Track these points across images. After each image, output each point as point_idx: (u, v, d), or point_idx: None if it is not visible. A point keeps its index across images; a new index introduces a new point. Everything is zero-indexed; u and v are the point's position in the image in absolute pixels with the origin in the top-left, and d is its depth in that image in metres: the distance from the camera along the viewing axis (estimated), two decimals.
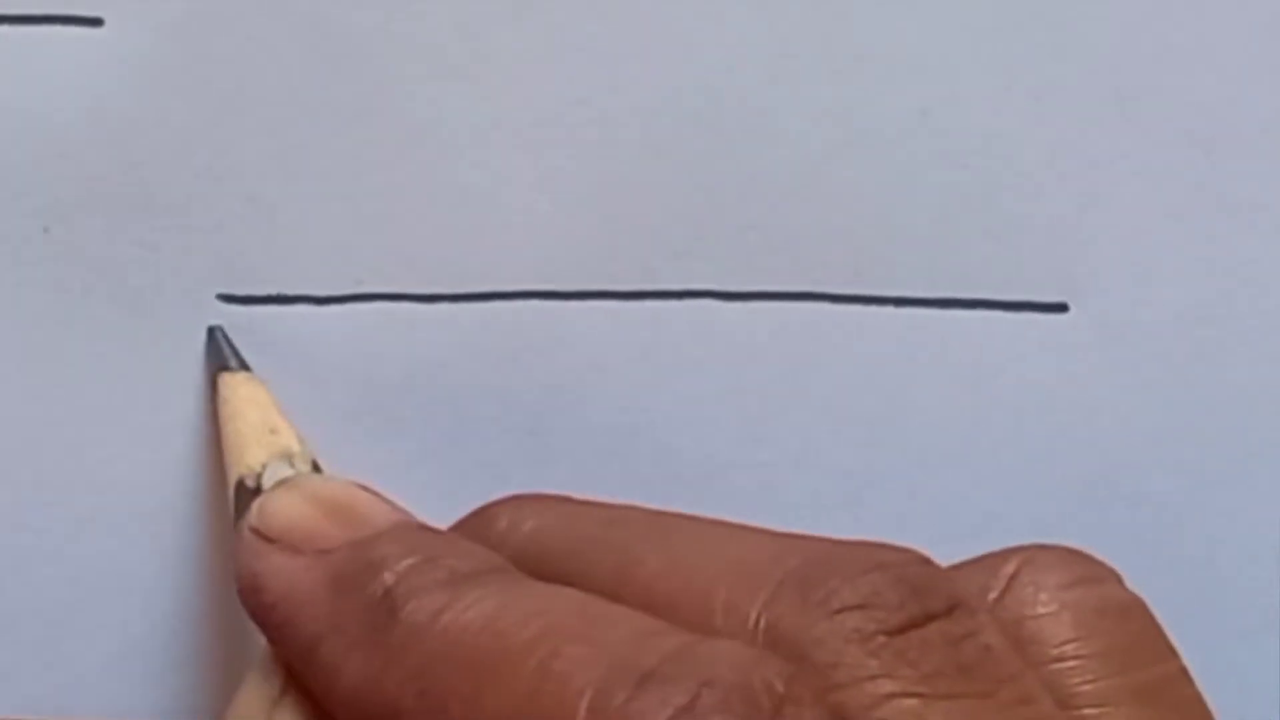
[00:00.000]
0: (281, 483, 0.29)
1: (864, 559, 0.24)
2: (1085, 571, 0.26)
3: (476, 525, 0.28)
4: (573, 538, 0.26)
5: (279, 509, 0.28)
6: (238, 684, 0.34)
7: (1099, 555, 0.32)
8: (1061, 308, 0.33)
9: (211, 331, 0.33)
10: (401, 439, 0.34)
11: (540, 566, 0.26)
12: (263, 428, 0.31)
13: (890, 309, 0.33)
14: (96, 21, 0.32)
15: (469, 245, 0.33)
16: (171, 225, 0.33)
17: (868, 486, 0.34)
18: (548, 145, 0.33)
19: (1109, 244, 0.33)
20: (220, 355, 0.32)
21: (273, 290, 0.33)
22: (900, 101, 0.32)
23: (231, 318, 0.33)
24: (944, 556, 0.34)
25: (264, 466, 0.30)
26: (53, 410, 0.33)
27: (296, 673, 0.27)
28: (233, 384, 0.32)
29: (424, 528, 0.28)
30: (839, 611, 0.23)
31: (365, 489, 0.28)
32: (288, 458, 0.30)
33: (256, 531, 0.28)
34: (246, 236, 0.33)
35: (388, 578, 0.26)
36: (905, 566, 0.24)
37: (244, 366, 0.32)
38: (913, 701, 0.23)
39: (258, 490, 0.30)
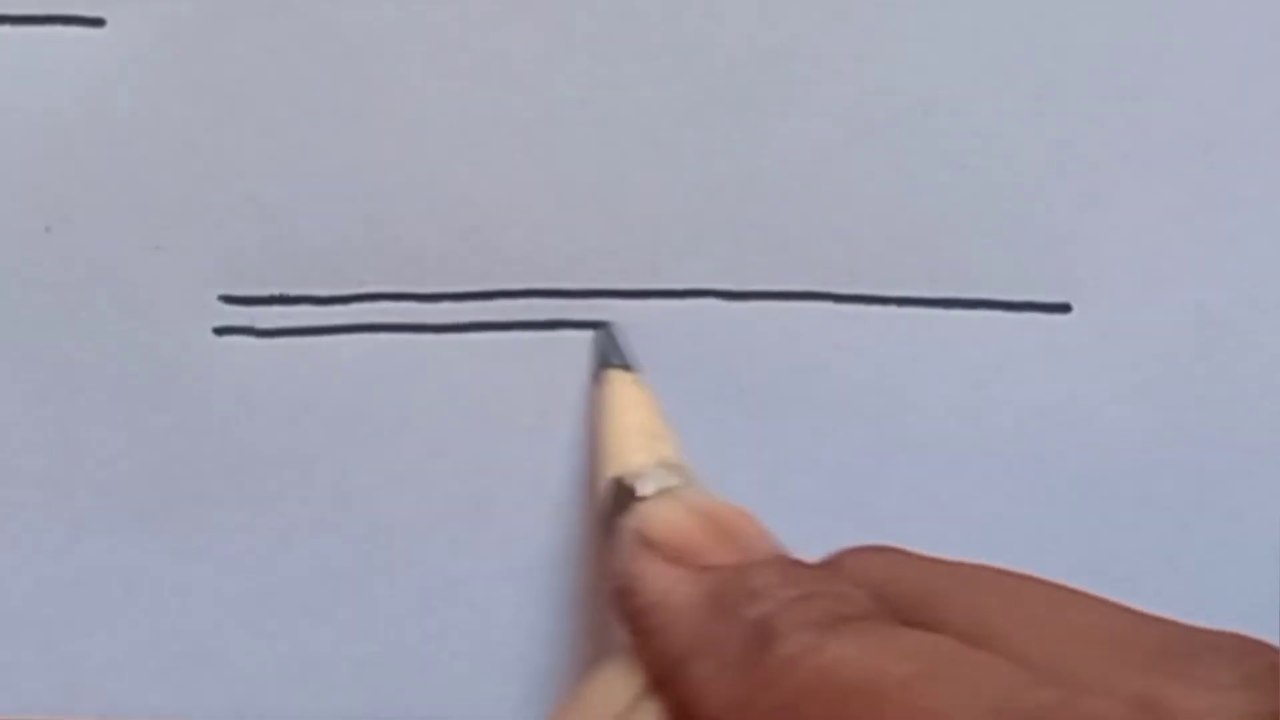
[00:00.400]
0: (666, 491, 0.30)
1: (1237, 644, 0.25)
2: None
3: (821, 575, 0.28)
4: (925, 592, 0.27)
5: (664, 518, 0.29)
6: (247, 685, 0.34)
7: (1114, 559, 0.32)
8: (1064, 308, 0.33)
9: (602, 326, 0.33)
10: (401, 443, 0.34)
11: (891, 613, 0.27)
12: (646, 431, 0.32)
13: (893, 308, 0.33)
14: (98, 22, 0.32)
15: (471, 244, 0.33)
16: (173, 226, 0.33)
17: (870, 486, 0.34)
18: (549, 145, 0.33)
19: (1111, 244, 0.33)
20: (608, 351, 0.33)
21: (275, 291, 0.33)
22: (902, 102, 0.32)
23: (233, 318, 0.33)
24: (946, 554, 0.34)
25: (645, 470, 0.30)
26: (53, 410, 0.34)
27: (658, 679, 0.27)
28: (620, 381, 0.33)
29: (800, 563, 0.28)
30: (1226, 688, 0.24)
31: (745, 513, 0.29)
32: (668, 466, 0.30)
33: (639, 534, 0.28)
34: (248, 237, 0.33)
35: (768, 606, 0.26)
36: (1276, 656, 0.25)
37: (631, 366, 0.33)
38: None
39: (632, 491, 0.30)
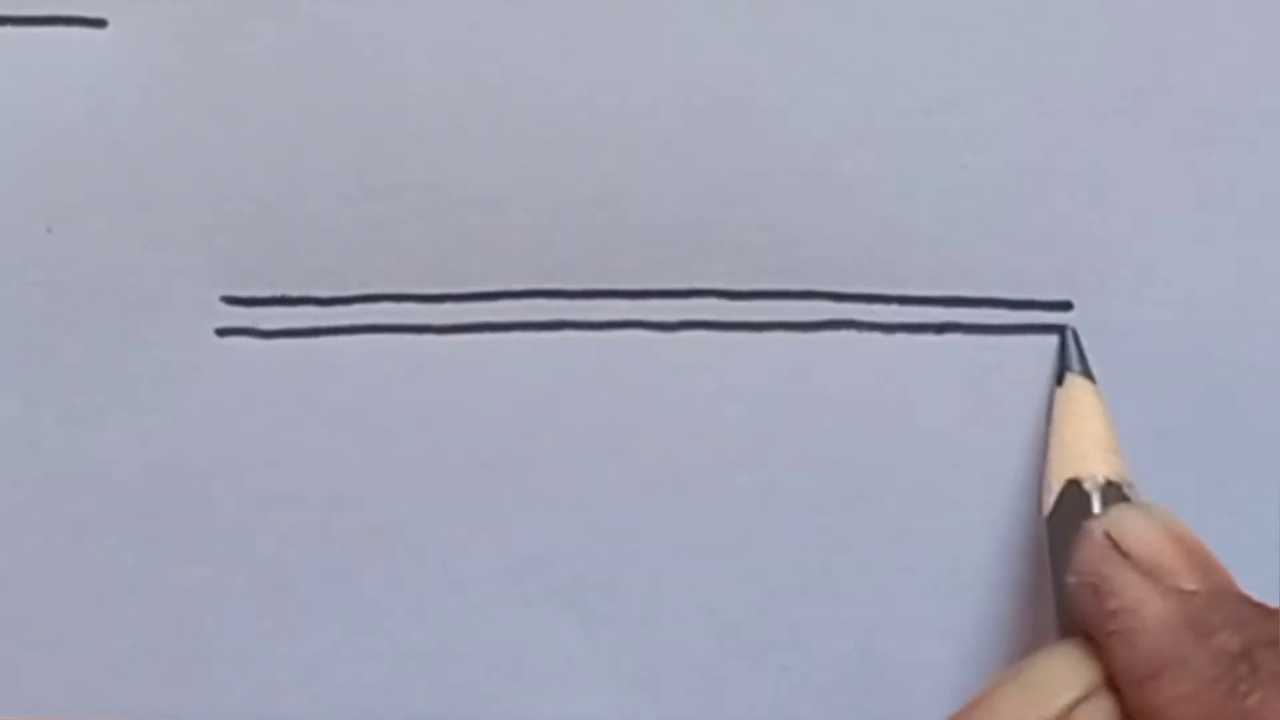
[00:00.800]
0: (1136, 505, 0.31)
1: None
2: None
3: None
4: None
5: (1138, 530, 0.29)
6: (249, 685, 0.34)
7: None
8: (1065, 305, 0.33)
9: (1064, 330, 0.33)
10: (404, 443, 0.34)
11: None
12: (1106, 443, 0.32)
13: (895, 307, 0.33)
14: (100, 23, 0.32)
15: (473, 245, 0.33)
16: (175, 226, 0.33)
17: (872, 485, 0.34)
18: (551, 145, 0.33)
19: (1113, 243, 0.33)
20: (1070, 357, 0.33)
21: (277, 292, 0.33)
22: (903, 101, 0.32)
23: (235, 319, 0.33)
24: (946, 555, 0.34)
25: (1105, 479, 0.31)
26: (56, 411, 0.34)
27: (1119, 682, 0.28)
28: (1081, 389, 0.33)
29: (1269, 606, 0.29)
30: None
31: (1207, 546, 0.30)
32: (1127, 484, 0.32)
33: (1113, 540, 0.29)
34: (250, 238, 0.33)
35: (1251, 641, 0.27)
36: None
37: (1090, 376, 0.33)
38: None
39: (1086, 496, 0.31)
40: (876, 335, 0.33)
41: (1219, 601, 0.28)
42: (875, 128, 0.32)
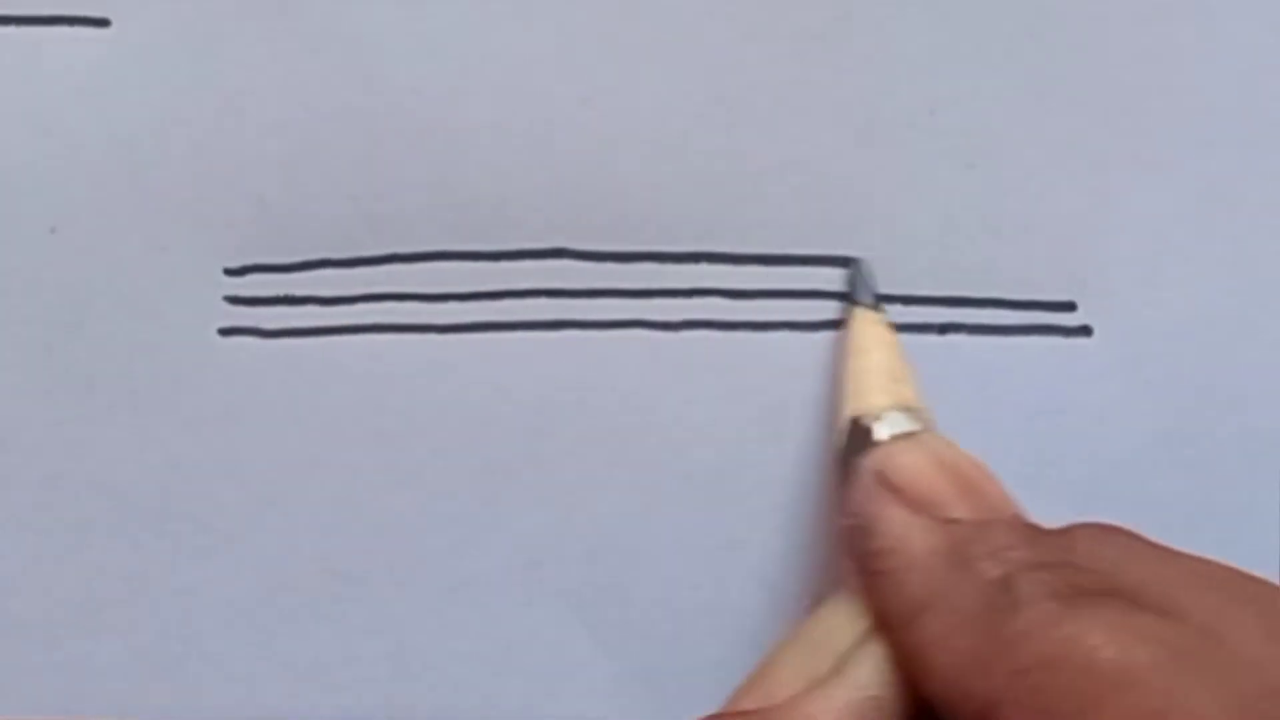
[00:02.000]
0: (909, 436, 0.30)
1: None
2: None
3: (1058, 544, 0.28)
4: (1158, 579, 0.26)
5: (906, 464, 0.29)
6: (251, 686, 0.34)
7: None
8: (1069, 306, 0.33)
9: (852, 263, 0.32)
10: (406, 443, 0.34)
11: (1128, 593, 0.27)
12: (887, 372, 0.31)
13: (898, 307, 0.33)
14: (103, 22, 0.32)
15: (475, 245, 0.33)
16: (178, 226, 0.33)
17: None
18: (553, 145, 0.33)
19: (1117, 243, 0.33)
20: (856, 288, 0.32)
21: (280, 291, 0.33)
22: (908, 102, 0.32)
23: (238, 319, 0.33)
24: None
25: (884, 412, 0.30)
26: (59, 410, 0.33)
27: (890, 624, 0.27)
28: (865, 320, 0.32)
29: (1041, 529, 0.28)
30: None
31: (984, 467, 0.29)
32: (908, 410, 0.30)
33: (880, 476, 0.28)
34: (253, 238, 0.33)
35: (1009, 568, 0.26)
36: None
37: (877, 305, 0.32)
38: None
39: (869, 432, 0.30)
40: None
41: (984, 530, 0.27)
42: (879, 128, 0.32)
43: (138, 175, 0.33)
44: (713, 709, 0.34)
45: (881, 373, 0.31)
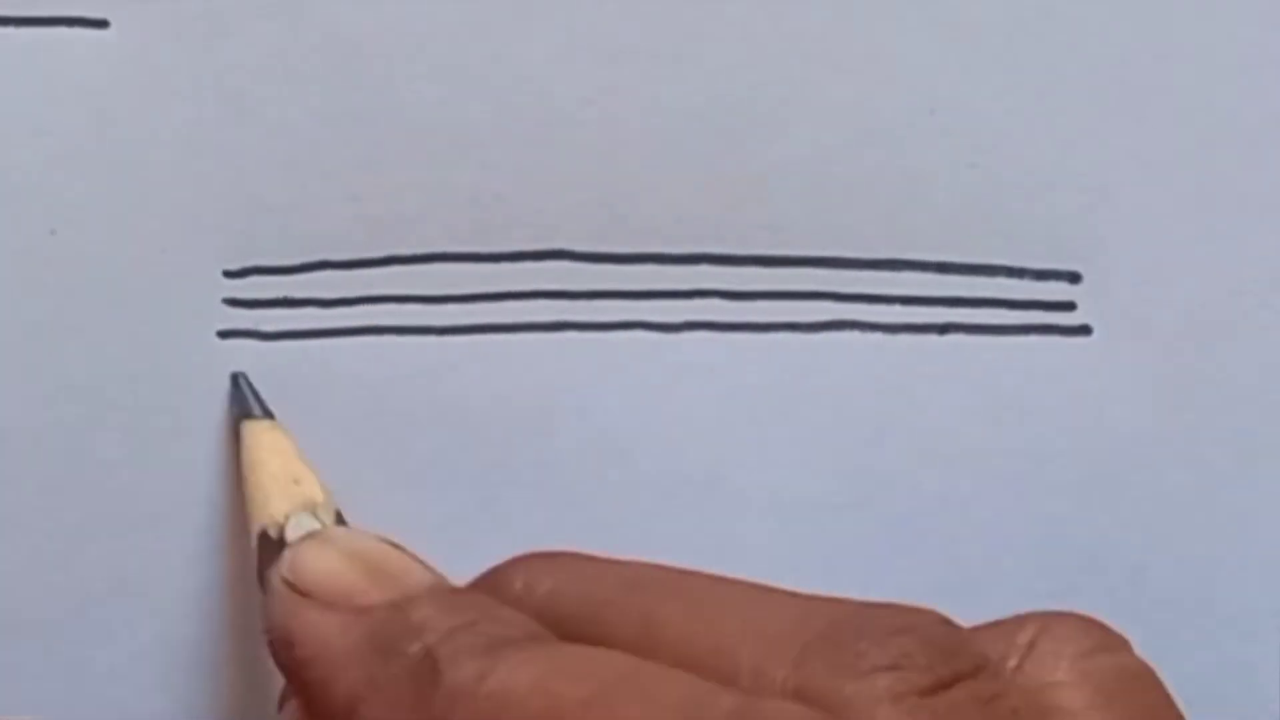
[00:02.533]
0: (313, 535, 0.29)
1: (889, 622, 0.25)
2: (1102, 640, 0.27)
3: (493, 586, 0.28)
4: (592, 600, 0.27)
5: (313, 563, 0.28)
6: (243, 690, 0.34)
7: (1120, 553, 0.32)
8: (1069, 306, 0.33)
9: (235, 378, 0.33)
10: (406, 445, 0.34)
11: (560, 628, 0.26)
12: (286, 477, 0.31)
13: (898, 307, 0.33)
14: (102, 24, 0.32)
15: (476, 247, 0.33)
16: (177, 229, 0.33)
17: (874, 487, 0.34)
18: (553, 147, 0.33)
19: (1118, 244, 0.33)
20: (243, 402, 0.32)
21: (280, 293, 0.33)
22: (908, 101, 0.32)
23: (237, 321, 0.33)
24: (951, 557, 0.34)
25: (287, 517, 0.30)
26: (58, 413, 0.33)
27: None
28: (256, 432, 0.32)
29: (458, 590, 0.28)
30: (870, 672, 0.24)
31: (396, 546, 0.29)
32: (312, 509, 0.30)
33: (289, 584, 0.28)
34: (253, 240, 0.33)
35: (430, 640, 0.26)
36: (931, 628, 0.25)
37: (267, 414, 0.32)
38: None
39: (281, 541, 0.30)
40: (879, 336, 0.33)
41: (401, 609, 0.27)
42: (880, 128, 0.32)
43: (137, 177, 0.33)
44: None
45: (281, 479, 0.31)
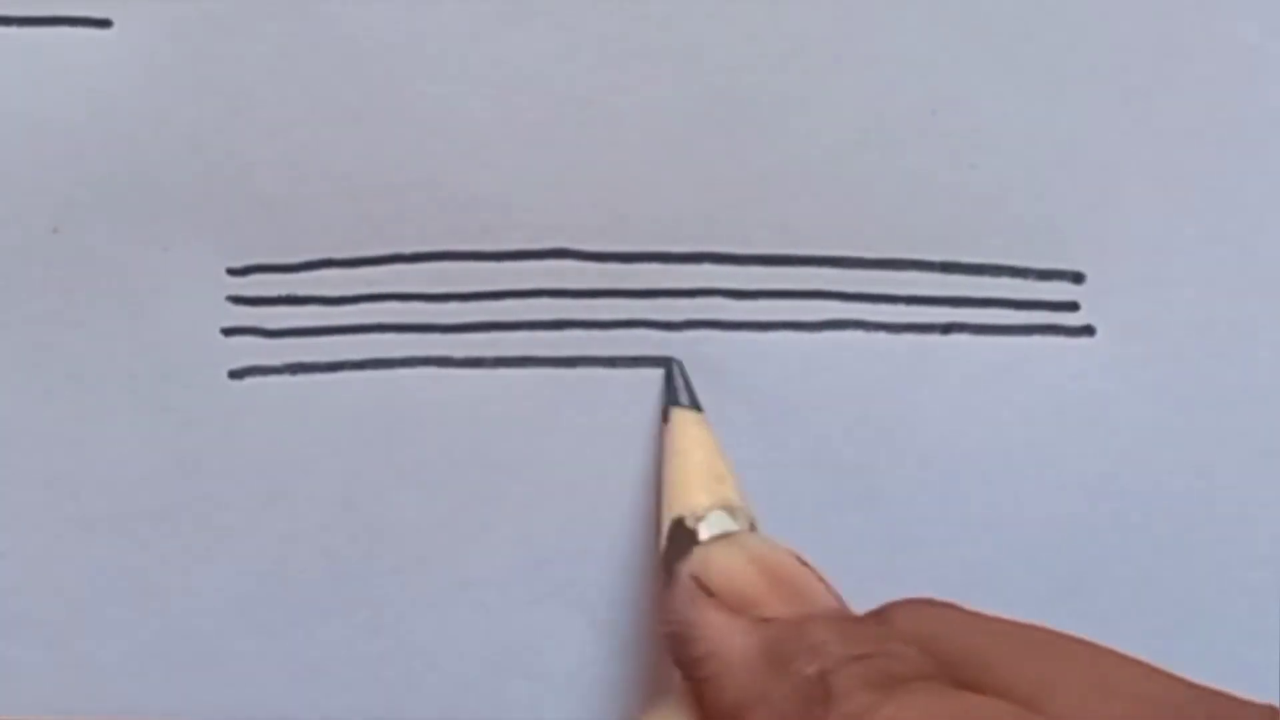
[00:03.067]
0: (726, 537, 0.30)
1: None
2: None
3: (873, 633, 0.28)
4: (977, 650, 0.27)
5: (723, 565, 0.29)
6: (254, 685, 0.34)
7: (1121, 558, 0.32)
8: (1072, 306, 0.33)
9: (669, 363, 0.33)
10: (410, 440, 0.34)
11: (944, 673, 0.27)
12: (709, 472, 0.32)
13: (902, 307, 0.33)
14: (105, 23, 0.32)
15: (477, 245, 0.33)
16: (180, 227, 0.33)
17: (876, 485, 0.34)
18: (556, 145, 0.33)
19: (1119, 243, 0.33)
20: (674, 390, 0.33)
21: (283, 291, 0.33)
22: (910, 101, 0.32)
23: (241, 318, 0.33)
24: (953, 555, 0.34)
25: (706, 512, 0.30)
26: (61, 410, 0.34)
27: None
28: (684, 421, 0.33)
29: (857, 619, 0.28)
30: None
31: (804, 562, 0.29)
32: (730, 510, 0.31)
33: (697, 580, 0.29)
34: (256, 237, 0.33)
35: (825, 664, 0.26)
36: None
37: (696, 405, 0.33)
38: None
39: (692, 535, 0.30)
40: (883, 335, 0.33)
41: (801, 628, 0.27)
42: (882, 128, 0.32)
43: (140, 176, 0.33)
44: None
45: (703, 473, 0.31)
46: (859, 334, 0.33)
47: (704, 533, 0.30)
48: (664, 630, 0.29)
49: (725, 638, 0.27)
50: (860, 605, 0.32)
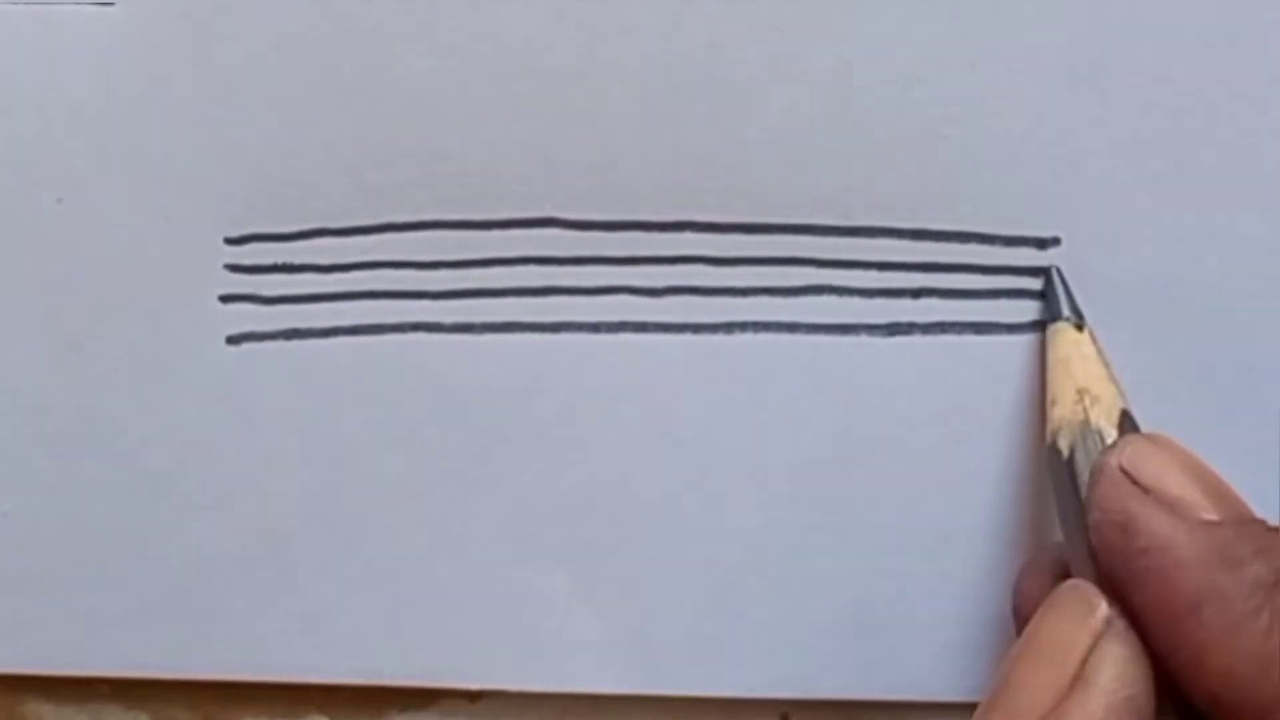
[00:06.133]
0: (1149, 436, 0.30)
1: None
2: None
3: None
4: None
5: (1154, 462, 0.29)
6: (251, 639, 0.35)
7: None
8: (1039, 272, 0.33)
9: (1052, 272, 0.33)
10: (402, 401, 0.34)
11: None
12: (1106, 375, 0.32)
13: (874, 273, 0.33)
14: (108, 1, 0.33)
15: (466, 215, 0.34)
16: (180, 198, 0.34)
17: (854, 442, 0.34)
18: (543, 118, 0.33)
19: (1086, 211, 0.33)
20: (1057, 299, 0.33)
21: (279, 259, 0.34)
22: (883, 75, 0.33)
23: (238, 286, 0.34)
24: (936, 511, 0.34)
25: (1118, 413, 0.31)
26: (65, 375, 0.34)
27: (1157, 622, 0.28)
28: (1073, 327, 0.33)
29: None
30: None
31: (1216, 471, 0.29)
32: (1130, 415, 0.31)
33: (1130, 475, 0.29)
34: (253, 208, 0.34)
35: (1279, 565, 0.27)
36: None
37: (1079, 318, 0.33)
38: None
39: (1100, 435, 0.30)
40: (856, 300, 0.34)
41: (1245, 532, 0.28)
42: (855, 100, 0.33)
43: (142, 148, 0.33)
44: (701, 664, 0.35)
45: (1100, 374, 0.32)
46: (833, 298, 0.34)
47: (1107, 433, 0.30)
48: (1098, 518, 0.29)
49: (1171, 534, 0.28)
50: (847, 560, 0.32)
